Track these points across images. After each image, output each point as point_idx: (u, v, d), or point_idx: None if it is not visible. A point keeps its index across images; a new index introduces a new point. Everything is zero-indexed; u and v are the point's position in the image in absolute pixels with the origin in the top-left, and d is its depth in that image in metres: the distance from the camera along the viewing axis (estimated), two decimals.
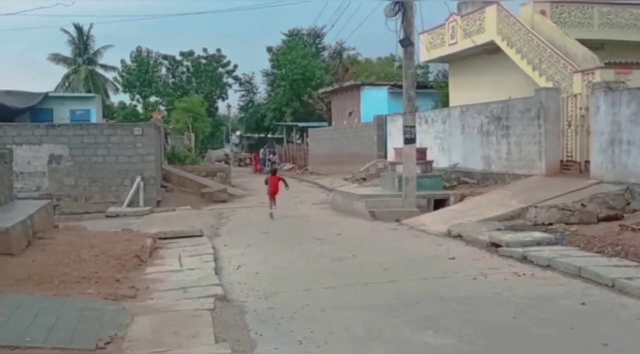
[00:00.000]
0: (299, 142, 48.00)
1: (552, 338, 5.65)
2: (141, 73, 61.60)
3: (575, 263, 8.39)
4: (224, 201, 21.34)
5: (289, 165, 44.01)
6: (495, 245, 10.27)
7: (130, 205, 18.65)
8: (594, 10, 21.25)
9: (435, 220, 13.79)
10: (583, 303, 6.77)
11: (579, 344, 5.50)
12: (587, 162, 14.80)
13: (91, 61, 57.99)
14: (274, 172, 18.47)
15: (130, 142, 19.35)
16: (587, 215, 12.24)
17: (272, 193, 16.82)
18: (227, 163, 44.90)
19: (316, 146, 37.72)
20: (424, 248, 10.84)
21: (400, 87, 34.43)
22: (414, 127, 15.97)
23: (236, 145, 69.11)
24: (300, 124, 46.20)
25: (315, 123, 43.43)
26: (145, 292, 7.51)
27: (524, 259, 9.23)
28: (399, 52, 16.53)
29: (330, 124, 40.95)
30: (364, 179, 26.60)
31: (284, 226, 14.65)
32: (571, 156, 15.50)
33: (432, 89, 32.92)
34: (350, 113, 36.16)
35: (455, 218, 13.39)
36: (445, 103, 27.93)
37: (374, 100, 32.88)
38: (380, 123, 28.19)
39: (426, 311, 6.61)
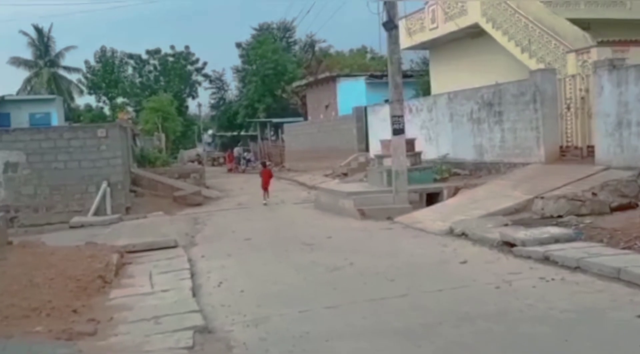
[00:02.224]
0: (273, 138, 46.70)
1: None
2: (106, 73, 59.67)
3: (610, 263, 7.27)
4: (198, 204, 19.99)
5: None
6: (508, 244, 9.12)
7: (96, 213, 17.18)
8: None
9: (432, 217, 12.63)
10: (639, 316, 5.63)
11: None
12: (590, 146, 13.79)
13: (53, 63, 55.96)
14: (264, 165, 21.58)
15: (93, 145, 17.85)
16: (599, 204, 11.18)
17: (264, 186, 18.99)
18: (200, 163, 43.47)
19: (293, 142, 36.42)
20: (427, 250, 9.66)
21: (378, 77, 33.89)
22: (402, 116, 14.77)
23: (209, 144, 67.43)
24: (275, 120, 44.80)
25: (290, 119, 42.09)
26: (108, 325, 6.18)
27: (546, 260, 8.09)
28: (383, 37, 15.24)
29: (305, 119, 39.69)
30: (345, 174, 25.45)
31: (267, 230, 13.37)
32: (571, 141, 14.45)
33: (411, 78, 31.80)
34: (326, 107, 34.95)
35: (454, 214, 12.23)
36: (425, 92, 26.84)
37: (351, 92, 31.69)
38: (360, 115, 27.06)
39: (455, 335, 5.40)
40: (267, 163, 36.65)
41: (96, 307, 6.95)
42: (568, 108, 14.22)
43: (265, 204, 18.40)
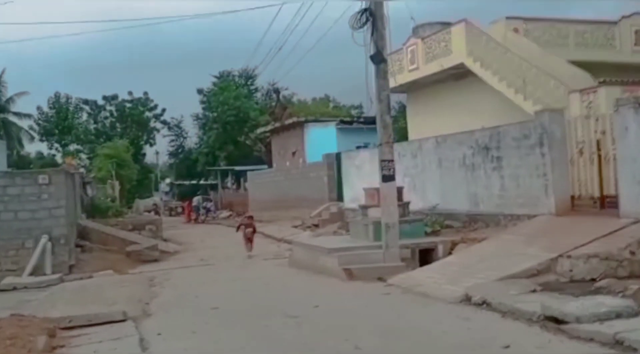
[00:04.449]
0: (234, 187, 44.60)
1: None
2: (60, 120, 57.12)
3: None
4: (155, 260, 17.65)
5: (225, 213, 40.35)
6: (554, 320, 7.16)
7: (33, 272, 14.63)
8: (569, 29, 19.21)
9: (436, 279, 10.64)
10: None
11: None
12: (607, 196, 12.13)
13: (3, 109, 53.11)
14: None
15: (33, 194, 15.42)
16: (639, 265, 9.45)
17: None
18: (157, 213, 40.97)
19: (257, 190, 34.32)
20: (448, 327, 7.61)
21: (349, 123, 32.37)
22: (392, 161, 12.93)
23: (166, 193, 64.70)
24: (237, 168, 42.72)
25: (253, 167, 40.09)
26: None
27: (619, 344, 6.15)
28: (370, 70, 13.53)
29: (270, 166, 37.74)
30: (317, 225, 23.46)
31: (237, 295, 11.16)
32: (584, 190, 12.72)
33: None
34: (293, 154, 33.11)
35: (463, 276, 10.28)
36: (401, 138, 25.20)
37: (321, 138, 29.98)
38: (331, 162, 25.34)
39: None
40: (229, 213, 34.71)
41: None
42: (580, 152, 12.58)
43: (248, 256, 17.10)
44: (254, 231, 18.07)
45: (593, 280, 9.36)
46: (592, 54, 19.22)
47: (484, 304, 8.53)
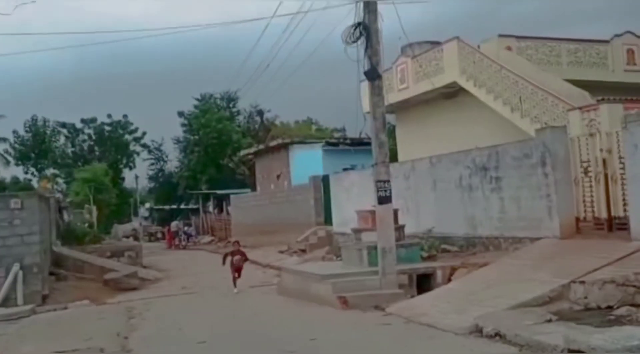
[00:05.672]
0: (215, 211, 43.63)
1: None
2: (36, 143, 55.88)
3: None
4: (134, 289, 16.79)
5: (207, 238, 39.37)
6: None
7: (4, 304, 13.68)
8: (562, 48, 18.85)
9: (439, 307, 9.90)
10: None
11: None
12: (615, 218, 11.54)
13: None
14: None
15: (5, 219, 14.53)
16: None
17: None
18: (136, 238, 39.86)
19: (240, 214, 33.44)
20: None
21: (334, 145, 31.67)
22: (388, 181, 12.35)
23: (145, 218, 63.33)
24: (219, 191, 41.80)
25: (236, 190, 39.22)
26: None
27: None
28: (362, 87, 12.96)
29: (254, 189, 36.90)
30: (304, 250, 22.68)
31: (225, 327, 10.32)
32: (590, 211, 12.11)
33: (370, 146, 29.62)
34: (278, 176, 32.33)
35: (468, 304, 9.58)
36: (390, 159, 24.55)
37: (306, 160, 29.23)
38: (317, 184, 24.66)
39: None
40: (211, 238, 33.52)
41: None
42: (585, 172, 12.01)
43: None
44: (245, 259, 15.59)
45: (610, 307, 8.70)
46: (585, 72, 18.84)
47: (496, 336, 7.82)
